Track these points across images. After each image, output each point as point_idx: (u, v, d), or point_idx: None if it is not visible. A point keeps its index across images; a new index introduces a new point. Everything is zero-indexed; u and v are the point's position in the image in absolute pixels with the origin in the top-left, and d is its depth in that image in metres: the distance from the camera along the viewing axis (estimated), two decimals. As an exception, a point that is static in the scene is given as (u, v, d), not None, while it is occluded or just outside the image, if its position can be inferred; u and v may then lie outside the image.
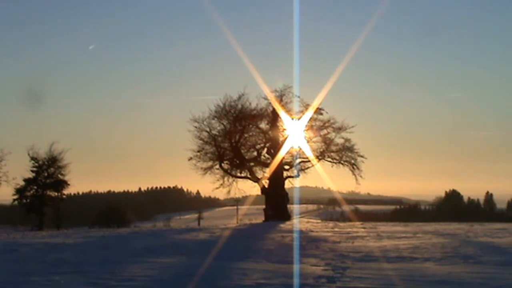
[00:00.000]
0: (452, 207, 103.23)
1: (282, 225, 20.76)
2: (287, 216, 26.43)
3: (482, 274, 7.69)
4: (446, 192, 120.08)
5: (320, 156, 26.47)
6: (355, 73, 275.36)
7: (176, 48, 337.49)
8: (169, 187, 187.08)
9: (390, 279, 7.44)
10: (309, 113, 25.39)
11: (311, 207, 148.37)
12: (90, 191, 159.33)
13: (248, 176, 27.45)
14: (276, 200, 26.41)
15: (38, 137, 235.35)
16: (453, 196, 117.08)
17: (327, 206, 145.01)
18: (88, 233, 21.29)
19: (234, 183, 27.53)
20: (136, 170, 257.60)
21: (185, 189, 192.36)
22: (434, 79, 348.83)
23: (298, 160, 27.21)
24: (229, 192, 27.69)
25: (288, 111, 25.79)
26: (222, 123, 26.72)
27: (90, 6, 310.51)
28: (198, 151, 26.92)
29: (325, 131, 26.50)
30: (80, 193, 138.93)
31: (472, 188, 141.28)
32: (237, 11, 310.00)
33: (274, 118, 26.42)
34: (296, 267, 8.84)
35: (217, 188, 27.50)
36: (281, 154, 25.47)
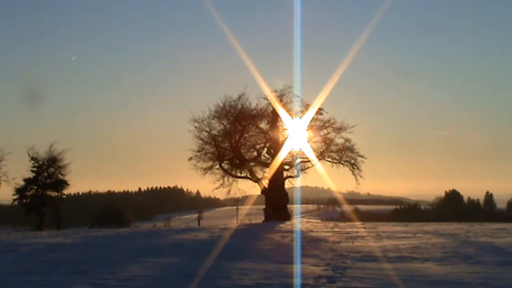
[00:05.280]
0: (452, 207, 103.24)
1: (282, 225, 20.75)
2: (287, 216, 26.41)
3: (482, 274, 7.69)
4: (446, 192, 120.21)
5: (320, 156, 26.45)
6: (355, 73, 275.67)
7: (176, 48, 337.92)
8: (169, 187, 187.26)
9: (390, 279, 7.44)
10: (310, 113, 25.35)
11: (311, 207, 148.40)
12: (90, 191, 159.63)
13: (248, 176, 27.43)
14: (276, 200, 26.39)
15: (38, 137, 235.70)
16: (453, 196, 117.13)
17: (327, 206, 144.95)
18: (88, 233, 21.27)
19: (234, 183, 27.52)
20: (136, 170, 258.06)
21: (185, 189, 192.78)
22: (434, 79, 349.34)
23: (298, 160, 27.19)
24: (229, 192, 27.66)
25: (288, 111, 25.77)
26: (222, 123, 26.70)
27: (92, 6, 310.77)
28: (198, 151, 26.91)
29: (325, 131, 26.50)
30: (80, 193, 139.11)
31: (472, 188, 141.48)
32: (238, 10, 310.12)
33: (274, 118, 26.40)
34: (296, 267, 8.84)
35: (217, 188, 27.49)
36: (281, 154, 25.45)
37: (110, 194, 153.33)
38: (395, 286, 6.98)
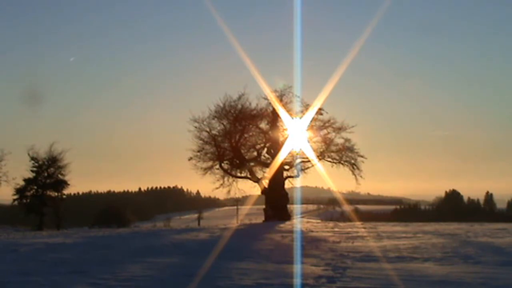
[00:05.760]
0: (452, 207, 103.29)
1: (282, 225, 20.75)
2: (287, 216, 26.41)
3: (482, 274, 7.69)
4: (446, 192, 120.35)
5: (320, 156, 26.44)
6: (355, 73, 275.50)
7: (176, 48, 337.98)
8: (169, 187, 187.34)
9: (390, 279, 7.43)
10: (310, 113, 25.34)
11: (311, 207, 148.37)
12: (90, 191, 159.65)
13: (248, 176, 27.42)
14: (276, 200, 26.38)
15: (38, 137, 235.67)
16: (453, 196, 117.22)
17: (327, 206, 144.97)
18: (88, 233, 21.30)
19: (234, 183, 27.52)
20: (136, 170, 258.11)
21: (185, 189, 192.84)
22: (434, 79, 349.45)
23: (298, 160, 27.19)
24: (229, 192, 27.66)
25: (288, 111, 25.76)
26: (222, 123, 26.69)
27: (92, 6, 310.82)
28: (198, 151, 26.90)
29: (325, 131, 26.50)
30: (80, 193, 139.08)
31: (472, 188, 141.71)
32: (238, 10, 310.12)
33: (274, 118, 26.39)
34: (296, 267, 8.84)
35: (217, 188, 27.47)
36: (281, 154, 25.44)
37: (110, 194, 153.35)
38: (395, 286, 6.98)
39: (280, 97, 25.80)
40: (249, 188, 28.22)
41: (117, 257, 10.95)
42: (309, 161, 26.88)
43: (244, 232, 18.44)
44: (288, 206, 27.71)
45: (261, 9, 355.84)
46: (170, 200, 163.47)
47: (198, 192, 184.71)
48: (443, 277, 7.52)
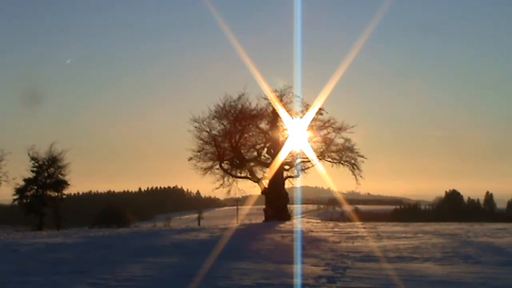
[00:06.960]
0: (452, 207, 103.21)
1: (282, 225, 20.74)
2: (287, 216, 26.40)
3: (482, 274, 7.69)
4: (446, 192, 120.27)
5: (320, 156, 26.44)
6: (355, 73, 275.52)
7: (176, 48, 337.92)
8: (169, 187, 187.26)
9: (390, 279, 7.43)
10: (310, 113, 25.33)
11: (311, 207, 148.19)
12: (90, 191, 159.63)
13: (248, 176, 27.42)
14: (276, 200, 26.38)
15: (38, 137, 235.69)
16: (453, 196, 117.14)
17: (327, 206, 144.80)
18: (88, 233, 21.30)
19: (234, 183, 27.52)
20: (136, 170, 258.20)
21: (185, 189, 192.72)
22: (434, 79, 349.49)
23: (298, 160, 27.19)
24: (229, 192, 27.67)
25: (289, 111, 25.75)
26: (222, 123, 26.68)
27: (92, 6, 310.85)
28: (198, 151, 26.90)
29: (325, 131, 26.50)
30: (80, 193, 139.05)
31: (472, 188, 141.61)
32: (238, 10, 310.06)
33: (274, 118, 26.39)
34: (296, 267, 8.84)
35: (217, 188, 27.48)
36: (282, 154, 25.43)
37: (110, 194, 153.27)
38: (395, 286, 6.98)
39: (280, 97, 25.81)
40: (249, 188, 28.27)
41: (117, 257, 10.95)
42: (309, 161, 26.90)
43: (244, 232, 18.44)
44: (288, 206, 27.70)
45: (261, 9, 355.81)
46: (170, 200, 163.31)
47: (198, 192, 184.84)
48: (443, 277, 7.52)
